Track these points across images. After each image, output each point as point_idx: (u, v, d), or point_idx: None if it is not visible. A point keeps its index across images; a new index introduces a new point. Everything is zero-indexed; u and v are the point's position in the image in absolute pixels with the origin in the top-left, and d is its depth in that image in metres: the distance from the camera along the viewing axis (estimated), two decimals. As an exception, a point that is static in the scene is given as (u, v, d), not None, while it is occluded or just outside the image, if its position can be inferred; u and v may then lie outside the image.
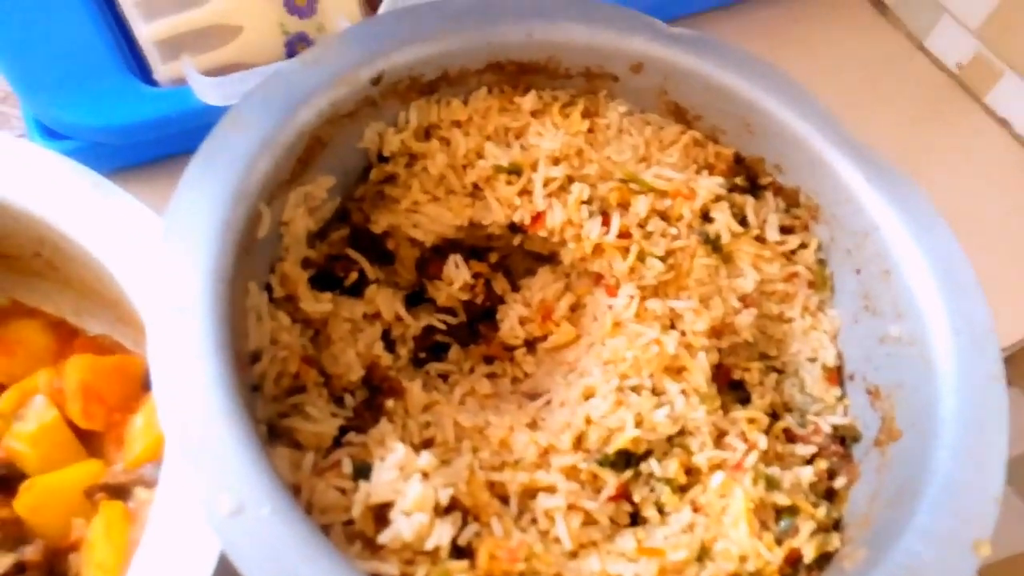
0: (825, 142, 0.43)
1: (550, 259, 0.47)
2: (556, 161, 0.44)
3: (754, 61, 0.45)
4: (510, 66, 0.45)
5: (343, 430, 0.38)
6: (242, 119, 0.37)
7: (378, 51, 0.41)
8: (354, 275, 0.44)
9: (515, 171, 0.44)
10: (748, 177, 0.47)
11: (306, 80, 0.39)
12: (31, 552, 0.37)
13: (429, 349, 0.46)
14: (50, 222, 0.38)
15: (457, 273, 0.46)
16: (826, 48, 0.68)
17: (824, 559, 0.37)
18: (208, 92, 0.48)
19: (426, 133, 0.45)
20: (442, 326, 0.46)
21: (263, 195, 0.37)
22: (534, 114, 0.46)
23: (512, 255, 0.48)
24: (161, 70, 0.52)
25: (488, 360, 0.46)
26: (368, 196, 0.46)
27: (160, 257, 0.32)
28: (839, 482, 0.40)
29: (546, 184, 0.44)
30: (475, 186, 0.45)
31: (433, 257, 0.47)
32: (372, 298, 0.44)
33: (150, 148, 0.53)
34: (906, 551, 0.31)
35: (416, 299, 0.47)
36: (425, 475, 0.34)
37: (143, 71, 0.52)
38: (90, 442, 0.42)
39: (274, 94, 0.38)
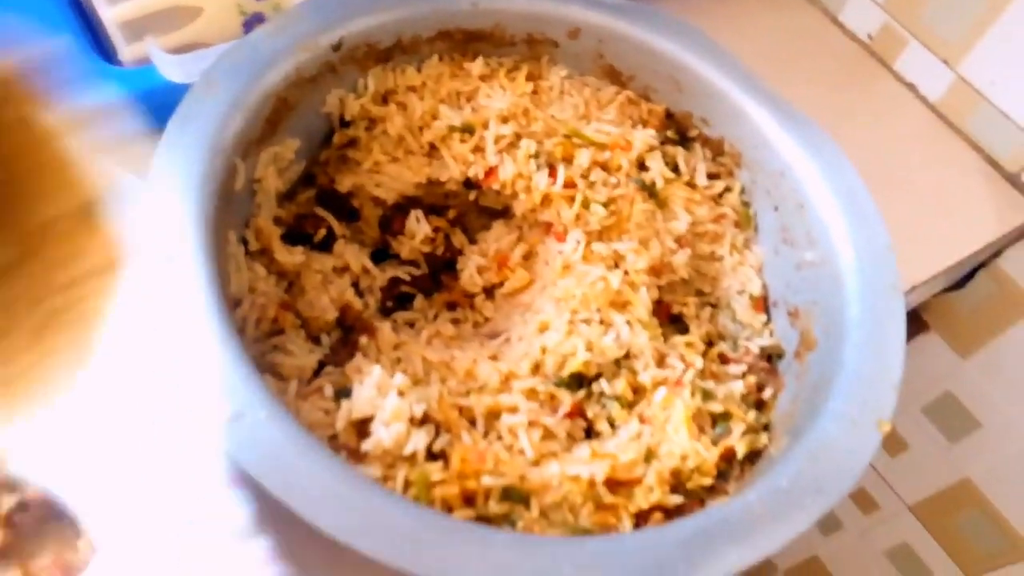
0: (743, 95, 0.48)
1: (503, 214, 0.51)
2: (505, 120, 0.49)
3: (680, 25, 0.50)
4: (458, 34, 0.49)
5: (321, 365, 0.42)
6: (214, 82, 0.40)
7: (337, 19, 0.45)
8: (323, 231, 0.48)
9: (468, 130, 0.48)
10: (678, 130, 0.52)
11: (271, 46, 0.42)
12: (32, 492, 0.40)
13: (395, 299, 0.50)
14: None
15: (418, 227, 0.49)
16: (749, 24, 0.74)
17: (755, 455, 0.42)
18: (172, 70, 0.51)
19: (384, 98, 0.49)
20: (407, 277, 0.50)
21: (237, 151, 0.40)
22: (483, 78, 0.50)
23: (468, 212, 0.52)
24: (125, 51, 0.54)
25: (451, 307, 0.50)
26: (332, 159, 0.49)
27: (148, 205, 0.35)
28: (767, 393, 0.45)
29: (497, 141, 0.48)
30: (431, 146, 0.49)
31: (395, 214, 0.51)
32: (340, 252, 0.47)
33: (117, 126, 0.55)
34: (820, 431, 0.36)
35: (381, 255, 0.50)
36: (401, 393, 0.37)
37: (108, 52, 0.55)
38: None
39: (242, 59, 0.41)
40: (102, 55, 0.54)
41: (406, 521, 0.30)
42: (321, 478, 0.30)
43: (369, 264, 0.48)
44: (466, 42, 0.50)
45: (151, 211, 0.35)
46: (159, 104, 0.52)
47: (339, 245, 0.48)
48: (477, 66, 0.50)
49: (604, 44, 0.51)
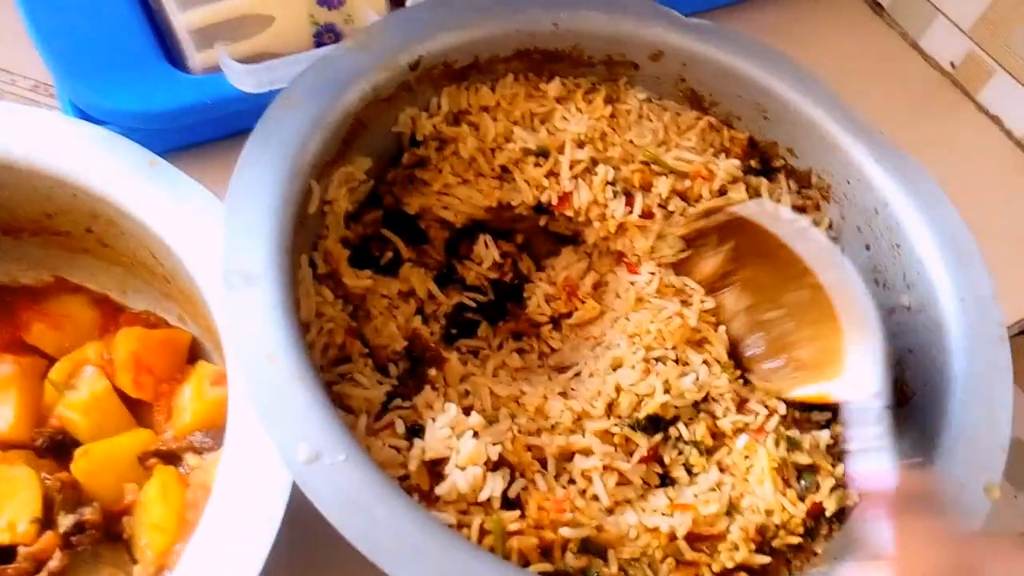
0: (836, 125, 0.46)
1: (572, 240, 0.50)
2: (581, 144, 0.47)
3: (767, 49, 0.48)
4: (536, 54, 0.48)
5: (388, 396, 0.40)
6: (294, 99, 0.39)
7: (416, 38, 0.43)
8: (389, 254, 0.47)
9: (542, 153, 0.47)
10: (762, 160, 0.50)
11: (351, 64, 0.41)
12: (90, 512, 0.39)
13: (460, 326, 0.48)
14: (108, 196, 0.40)
15: (487, 252, 0.48)
16: (825, 47, 0.71)
17: (842, 512, 0.40)
18: (241, 79, 0.50)
19: (456, 118, 0.47)
20: (472, 304, 0.48)
21: (314, 172, 0.39)
22: (559, 100, 0.48)
23: (535, 237, 0.51)
24: (196, 58, 0.53)
25: (516, 336, 0.49)
26: (399, 179, 0.48)
27: (227, 227, 0.34)
28: (854, 444, 0.43)
29: (572, 166, 0.46)
30: (503, 169, 0.47)
31: (462, 238, 0.49)
32: (407, 276, 0.46)
33: (184, 134, 0.54)
34: (924, 496, 0.34)
35: (446, 279, 0.49)
36: (475, 433, 0.36)
37: (178, 59, 0.54)
38: (138, 412, 0.44)
39: (322, 77, 0.40)
40: (172, 62, 0.53)
41: (487, 577, 0.29)
42: (401, 528, 0.29)
43: (435, 289, 0.47)
44: (543, 62, 0.49)
45: (231, 233, 0.34)
46: (227, 113, 0.51)
47: (405, 269, 0.46)
48: (554, 87, 0.48)
49: (687, 67, 0.49)
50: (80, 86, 0.51)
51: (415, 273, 0.47)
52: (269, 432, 0.30)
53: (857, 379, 0.38)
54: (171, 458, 0.41)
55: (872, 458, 0.33)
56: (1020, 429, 0.74)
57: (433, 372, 0.41)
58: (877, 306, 0.45)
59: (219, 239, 0.34)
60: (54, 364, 0.44)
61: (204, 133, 0.54)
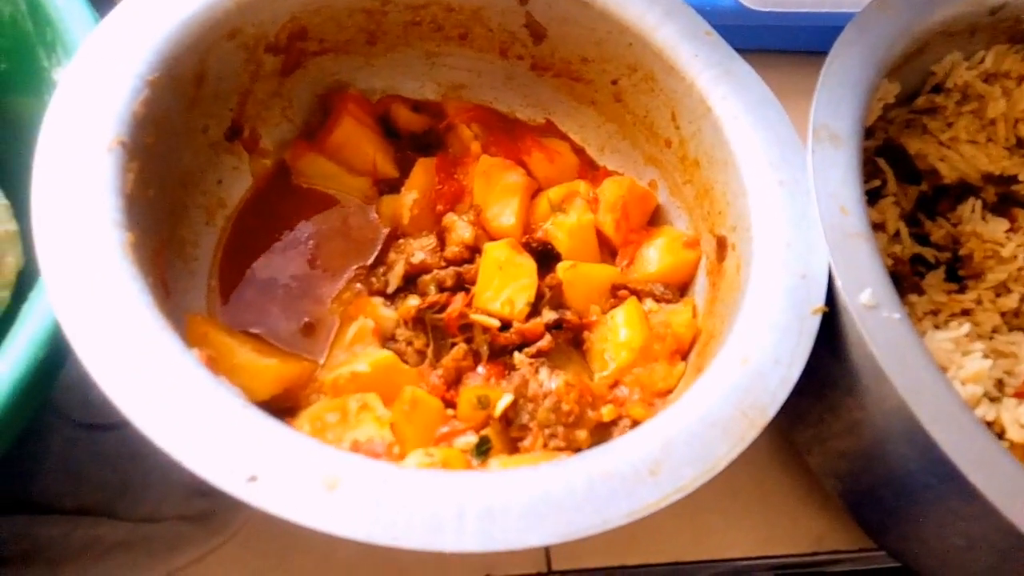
0: None
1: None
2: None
3: None
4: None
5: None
6: (889, 5, 0.43)
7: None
8: (875, 183, 0.50)
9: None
10: None
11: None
12: (570, 314, 0.47)
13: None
14: (666, 51, 0.47)
15: (971, 216, 0.50)
16: None
17: None
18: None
19: (989, 78, 0.50)
20: (931, 260, 0.50)
21: (881, 72, 0.43)
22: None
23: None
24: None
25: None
26: (899, 120, 0.51)
27: (821, 91, 0.40)
28: None
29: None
30: (1019, 142, 0.49)
31: (940, 195, 0.51)
32: (883, 209, 0.49)
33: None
34: None
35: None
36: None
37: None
38: (603, 253, 0.51)
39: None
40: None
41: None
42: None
43: (904, 231, 0.50)
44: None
45: (825, 95, 0.39)
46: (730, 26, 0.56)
47: (885, 202, 0.50)
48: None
49: None
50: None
51: (892, 210, 0.50)
52: (836, 267, 0.35)
53: None
54: (637, 295, 0.48)
55: None
56: None
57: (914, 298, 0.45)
58: None
59: (814, 97, 0.39)
60: (542, 189, 0.52)
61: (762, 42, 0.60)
